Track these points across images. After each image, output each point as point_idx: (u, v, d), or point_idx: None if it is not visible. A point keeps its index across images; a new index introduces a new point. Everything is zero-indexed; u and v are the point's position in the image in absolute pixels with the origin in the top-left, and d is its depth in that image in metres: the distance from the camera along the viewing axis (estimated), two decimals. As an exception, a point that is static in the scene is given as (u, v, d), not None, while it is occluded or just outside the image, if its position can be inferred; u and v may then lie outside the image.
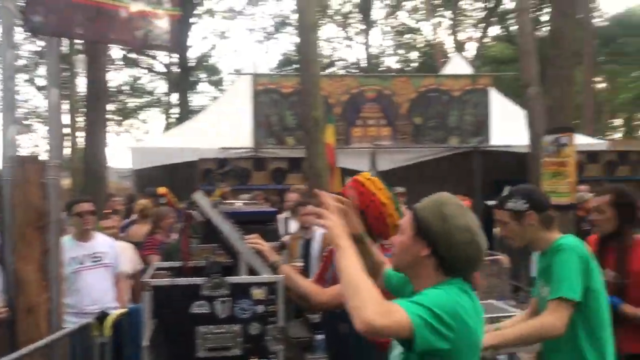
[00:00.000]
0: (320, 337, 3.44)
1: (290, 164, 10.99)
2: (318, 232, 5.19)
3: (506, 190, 2.71)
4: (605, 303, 2.57)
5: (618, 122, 41.71)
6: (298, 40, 8.76)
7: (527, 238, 2.61)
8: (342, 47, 34.76)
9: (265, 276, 2.57)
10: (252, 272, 2.66)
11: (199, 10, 28.78)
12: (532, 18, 10.01)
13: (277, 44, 55.44)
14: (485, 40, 31.83)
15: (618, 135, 37.50)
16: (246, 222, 2.94)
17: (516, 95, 17.12)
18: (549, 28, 7.24)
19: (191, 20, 27.01)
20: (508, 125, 12.20)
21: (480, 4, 30.65)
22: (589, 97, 20.70)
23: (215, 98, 26.28)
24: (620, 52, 29.30)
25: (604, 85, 34.38)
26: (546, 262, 2.58)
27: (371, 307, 1.59)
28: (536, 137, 7.59)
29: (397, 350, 1.92)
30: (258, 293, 2.50)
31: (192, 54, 28.77)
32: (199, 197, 2.73)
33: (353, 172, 2.94)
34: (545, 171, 6.96)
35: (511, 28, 29.22)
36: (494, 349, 2.54)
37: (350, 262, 1.71)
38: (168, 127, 28.16)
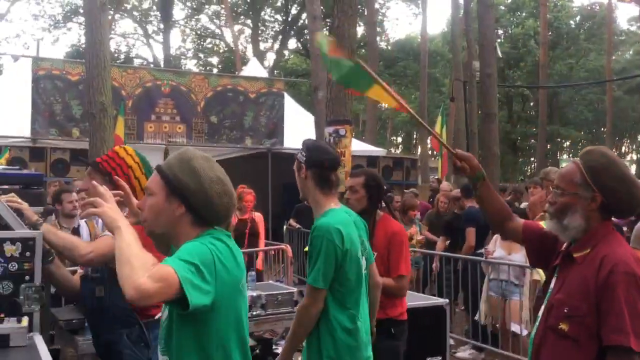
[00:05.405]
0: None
1: (73, 155, 10.22)
2: (82, 221, 5.18)
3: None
4: (358, 277, 2.61)
5: (399, 139, 46.50)
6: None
7: (305, 193, 2.63)
8: (140, 44, 33.50)
9: (20, 231, 2.34)
10: (6, 228, 2.41)
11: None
12: (323, 25, 10.66)
13: (67, 36, 51.43)
14: (284, 52, 33.08)
15: (398, 151, 41.63)
16: (9, 183, 2.69)
17: (309, 105, 18.01)
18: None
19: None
20: (300, 130, 12.72)
21: (280, 17, 31.81)
22: (372, 113, 22.70)
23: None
24: (402, 74, 32.55)
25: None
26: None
27: (141, 273, 1.59)
28: (322, 136, 8.07)
29: (164, 315, 1.86)
30: (11, 249, 2.27)
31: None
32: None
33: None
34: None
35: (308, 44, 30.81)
36: None
37: (124, 239, 1.69)
38: None
